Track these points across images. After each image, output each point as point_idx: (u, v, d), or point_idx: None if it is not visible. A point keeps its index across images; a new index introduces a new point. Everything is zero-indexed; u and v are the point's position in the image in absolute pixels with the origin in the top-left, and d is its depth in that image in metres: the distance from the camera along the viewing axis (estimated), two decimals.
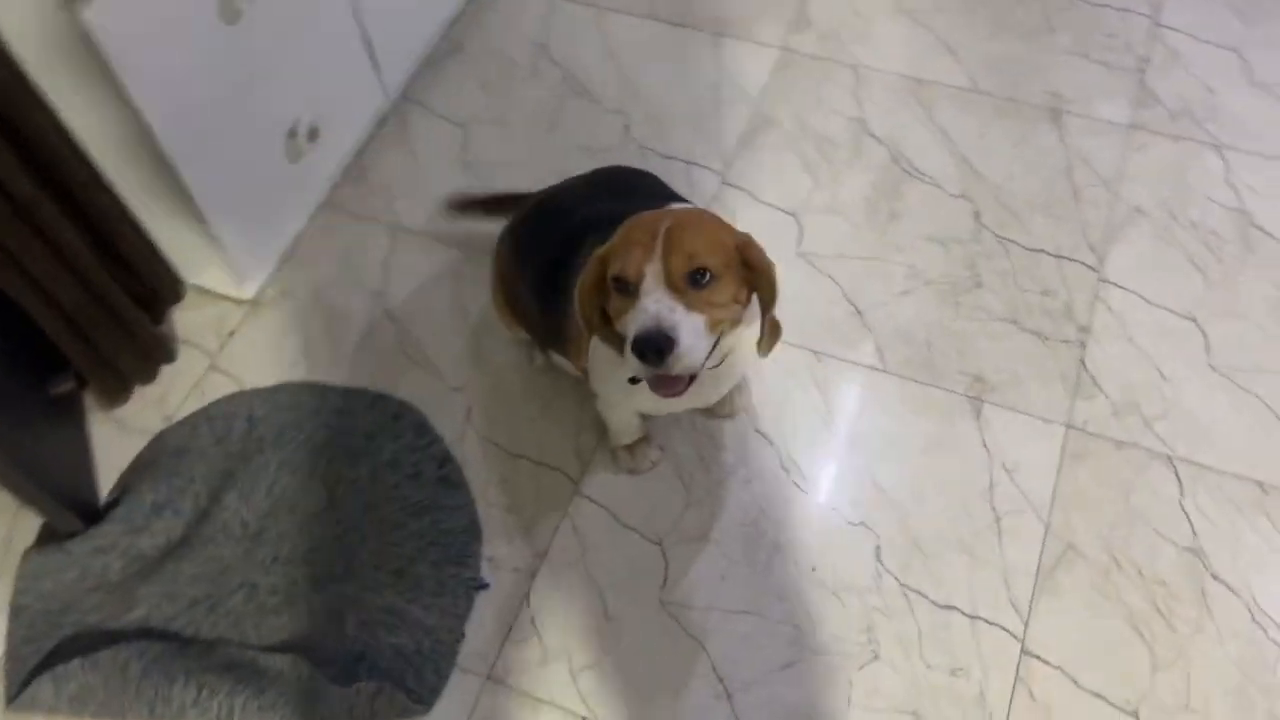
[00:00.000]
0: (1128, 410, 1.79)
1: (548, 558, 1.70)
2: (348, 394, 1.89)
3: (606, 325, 1.34)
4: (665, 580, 1.67)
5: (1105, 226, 2.02)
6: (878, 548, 1.68)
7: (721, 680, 1.57)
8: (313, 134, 1.97)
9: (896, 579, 1.65)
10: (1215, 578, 1.62)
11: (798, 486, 1.75)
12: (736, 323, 1.31)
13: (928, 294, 1.95)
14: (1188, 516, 1.68)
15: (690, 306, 1.22)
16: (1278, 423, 1.77)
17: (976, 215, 2.05)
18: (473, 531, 1.72)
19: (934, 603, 1.62)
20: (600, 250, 1.29)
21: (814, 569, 1.66)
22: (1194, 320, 1.89)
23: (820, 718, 1.53)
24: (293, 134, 1.92)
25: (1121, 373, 1.83)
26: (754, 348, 1.37)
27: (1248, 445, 1.75)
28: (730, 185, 2.13)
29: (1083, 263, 1.97)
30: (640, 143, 2.20)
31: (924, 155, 2.15)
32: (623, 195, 1.57)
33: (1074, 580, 1.63)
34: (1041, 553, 1.65)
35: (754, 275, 1.29)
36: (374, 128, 2.25)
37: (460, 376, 1.91)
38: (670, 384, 1.24)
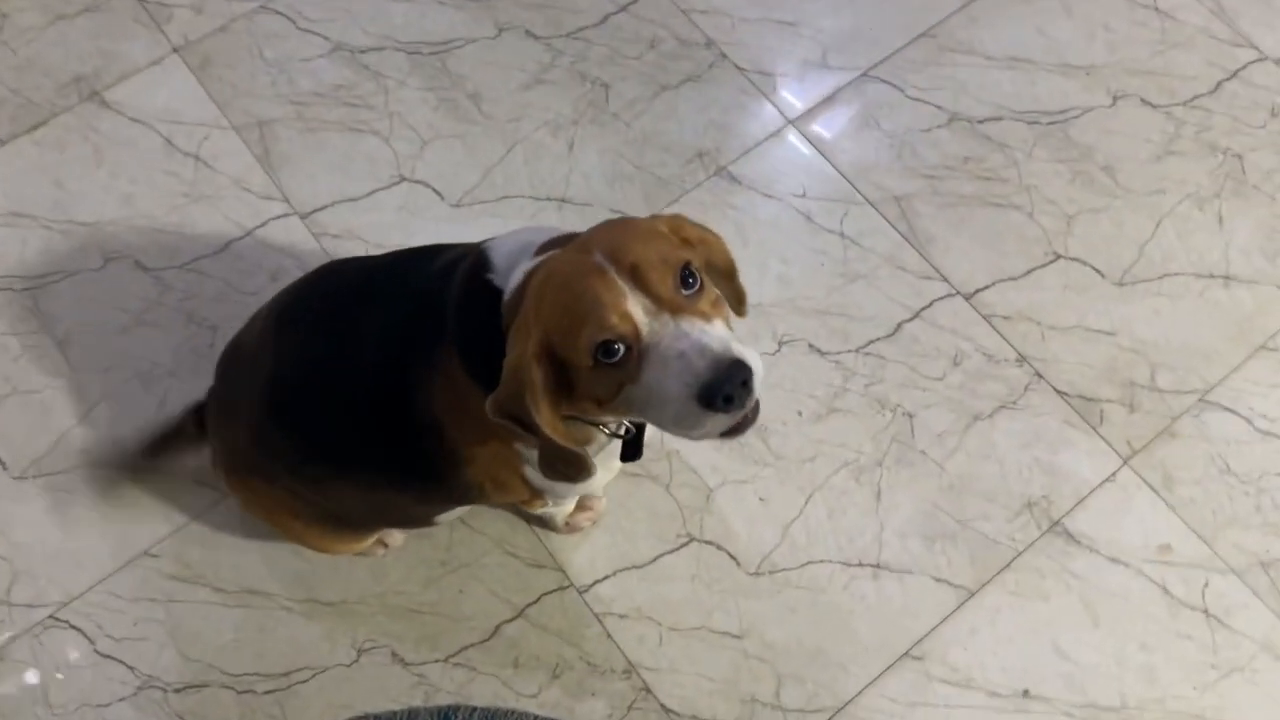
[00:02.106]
0: (814, 67, 1.79)
1: (638, 665, 1.40)
2: None
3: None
4: (735, 559, 1.46)
5: None
6: (809, 345, 1.58)
7: (862, 564, 1.45)
8: None
9: (850, 351, 1.58)
10: (983, 128, 1.75)
11: None
12: None
13: (585, 130, 1.74)
14: (929, 101, 1.77)
15: (707, 319, 0.93)
16: None
17: (530, 33, 1.81)
18: None
19: (885, 338, 1.59)
20: (527, 345, 0.93)
21: (800, 413, 1.54)
22: None
23: (937, 499, 1.49)
24: None
25: (767, 49, 1.81)
26: None
27: (880, 25, 1.84)
28: (320, 211, 1.67)
29: None
30: (194, 268, 1.63)
31: (411, 28, 1.82)
32: (373, 296, 1.14)
33: (925, 213, 1.67)
34: (886, 220, 1.66)
35: (702, 252, 1.01)
36: None
37: (346, 643, 1.41)
38: (748, 421, 0.95)
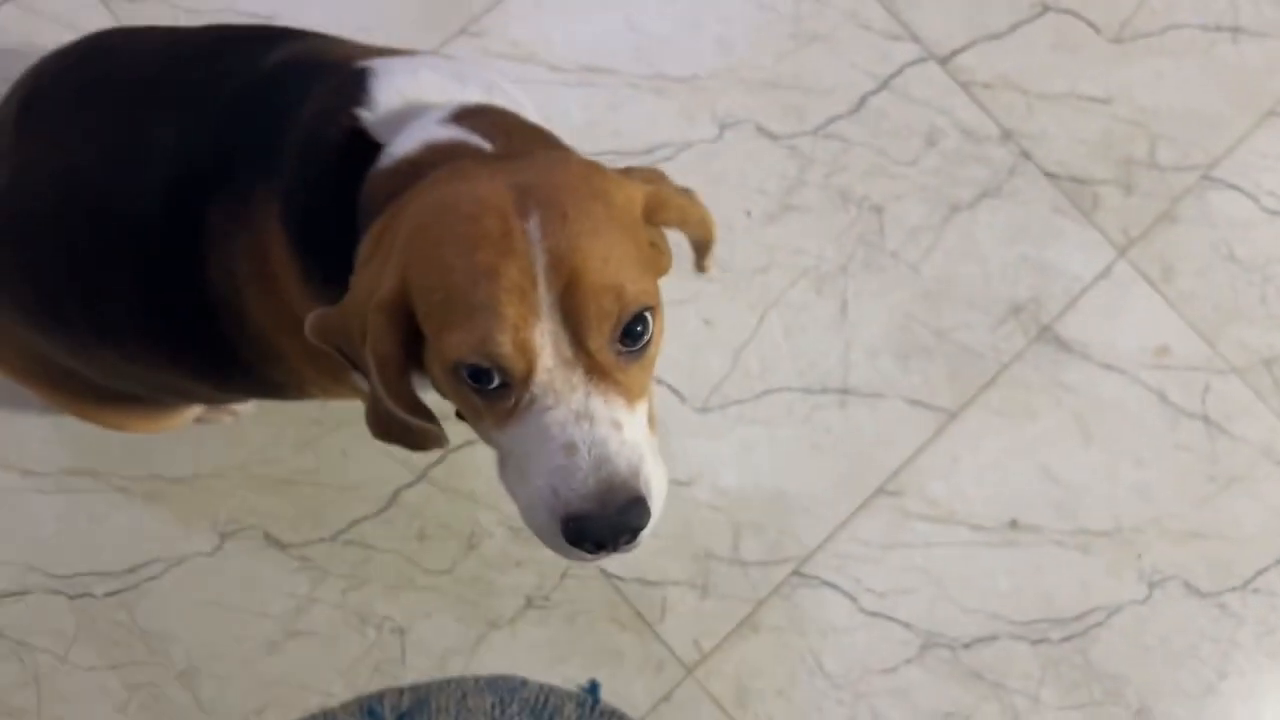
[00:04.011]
0: None
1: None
2: None
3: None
4: (679, 394, 1.21)
5: None
6: (757, 128, 1.28)
7: (827, 390, 1.23)
8: None
9: (806, 133, 1.29)
10: None
11: None
12: None
13: None
14: None
15: (631, 400, 0.63)
16: None
17: None
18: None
19: (847, 115, 1.30)
20: (380, 280, 0.63)
21: (749, 212, 1.26)
22: None
23: (911, 309, 1.26)
24: None
25: None
26: None
27: None
28: None
29: None
30: None
31: None
32: (174, 91, 0.79)
33: None
34: None
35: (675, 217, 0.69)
36: None
37: (205, 526, 1.14)
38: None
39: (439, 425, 0.71)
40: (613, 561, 1.16)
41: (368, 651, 1.12)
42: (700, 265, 0.76)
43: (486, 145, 0.68)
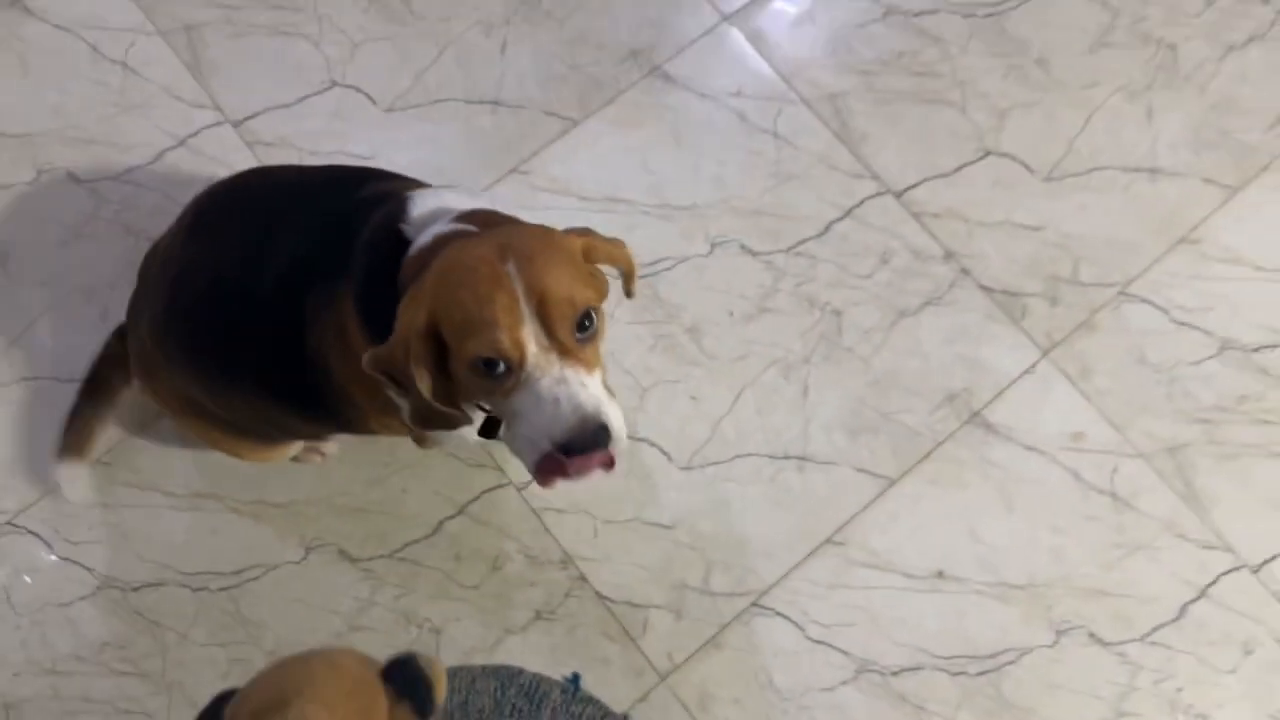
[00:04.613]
0: None
1: (574, 555, 1.47)
2: None
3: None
4: (668, 455, 1.52)
5: None
6: (741, 246, 1.61)
7: (789, 457, 1.52)
8: None
9: (781, 251, 1.61)
10: (918, 21, 1.73)
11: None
12: None
13: (517, 29, 1.72)
14: None
15: (590, 368, 0.96)
16: None
17: None
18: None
19: (815, 237, 1.61)
20: (416, 317, 0.96)
21: (731, 313, 1.58)
22: None
23: (862, 394, 1.54)
24: None
25: None
26: None
27: None
28: (252, 118, 1.66)
29: None
30: (129, 179, 1.63)
31: None
32: (290, 212, 1.16)
33: (859, 110, 1.67)
34: (820, 119, 1.67)
35: (605, 255, 1.03)
36: None
37: (295, 541, 1.48)
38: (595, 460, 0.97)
39: (463, 410, 1.03)
40: (606, 585, 1.45)
41: (411, 645, 1.43)
42: (627, 291, 1.09)
43: (473, 229, 1.02)
